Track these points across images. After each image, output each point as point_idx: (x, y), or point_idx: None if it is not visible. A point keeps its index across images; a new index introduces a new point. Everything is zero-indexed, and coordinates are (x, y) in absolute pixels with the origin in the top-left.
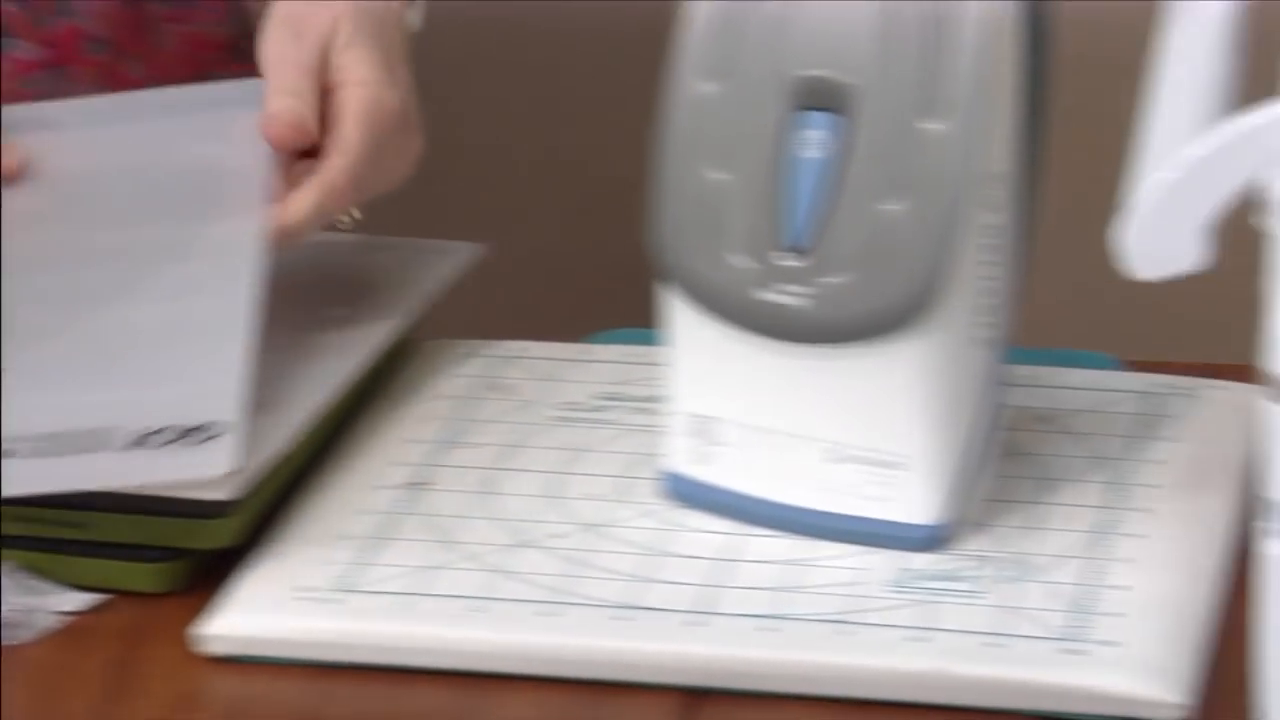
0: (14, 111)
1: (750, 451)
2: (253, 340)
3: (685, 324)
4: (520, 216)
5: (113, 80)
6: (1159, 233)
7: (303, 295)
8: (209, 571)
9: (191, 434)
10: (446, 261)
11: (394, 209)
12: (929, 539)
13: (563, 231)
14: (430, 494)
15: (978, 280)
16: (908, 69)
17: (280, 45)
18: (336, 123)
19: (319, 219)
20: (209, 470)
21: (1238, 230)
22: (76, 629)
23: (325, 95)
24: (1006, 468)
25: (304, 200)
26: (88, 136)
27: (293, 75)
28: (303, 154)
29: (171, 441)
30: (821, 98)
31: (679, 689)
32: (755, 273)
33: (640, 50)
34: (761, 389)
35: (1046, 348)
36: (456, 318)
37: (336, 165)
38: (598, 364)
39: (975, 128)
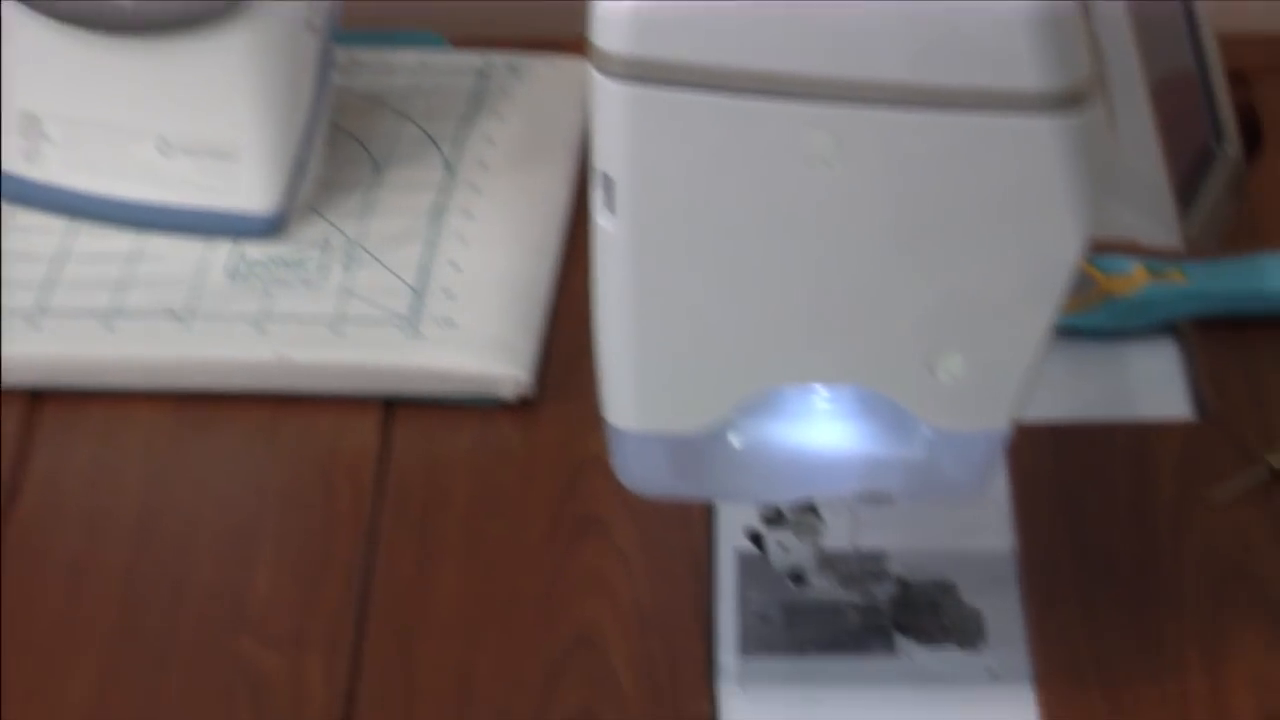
0: None
1: (81, 147)
2: None
3: (9, 19)
4: None
5: None
6: None
7: None
8: None
9: None
10: None
11: None
12: (266, 226)
13: None
14: None
15: None
16: None
17: None
18: None
19: None
20: None
21: None
22: None
23: None
24: (340, 152)
25: None
26: None
27: None
28: None
29: None
30: None
31: (18, 391)
32: None
33: None
34: (88, 83)
35: (373, 29)
36: None
37: None
38: None
39: None
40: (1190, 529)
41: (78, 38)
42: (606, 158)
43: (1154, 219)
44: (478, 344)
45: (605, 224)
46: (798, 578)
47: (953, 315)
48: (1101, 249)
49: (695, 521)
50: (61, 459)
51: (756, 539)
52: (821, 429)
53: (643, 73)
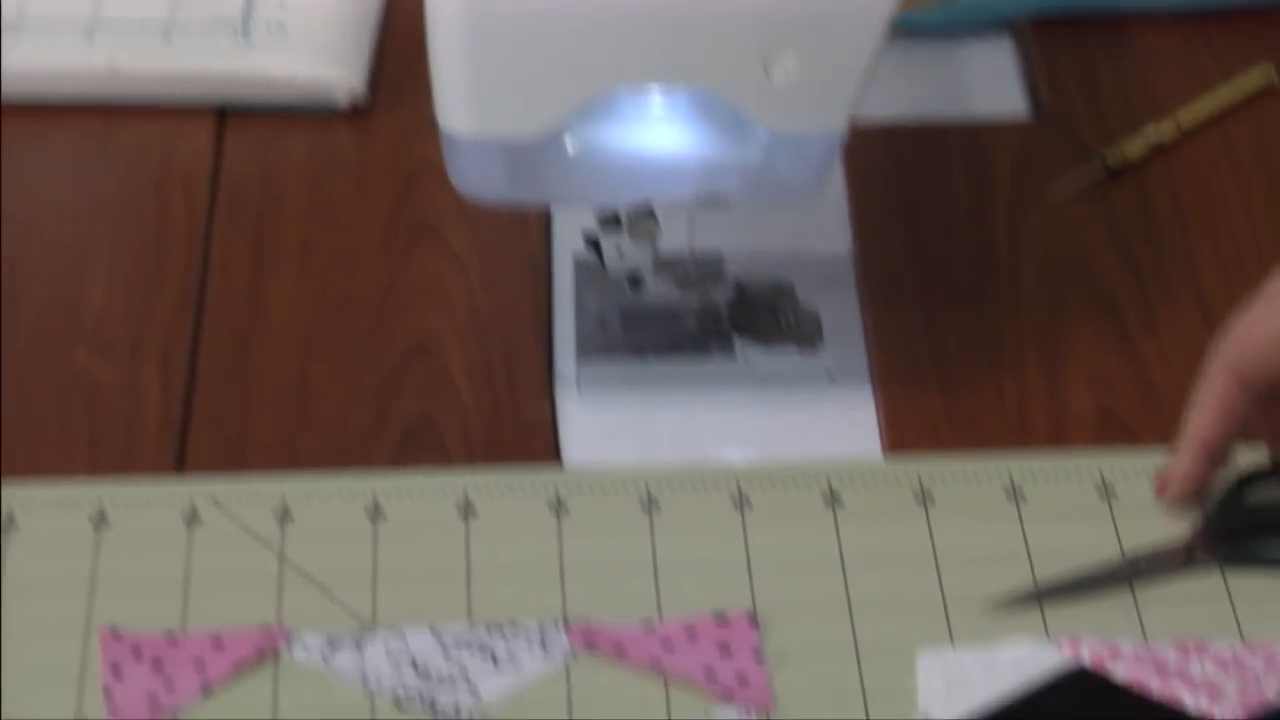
0: None
1: None
2: None
3: None
4: None
5: None
6: None
7: None
8: None
9: None
10: None
11: None
12: None
13: None
14: None
15: None
16: None
17: None
18: None
19: None
20: None
21: None
22: None
23: None
24: None
25: None
26: None
27: None
28: None
29: None
30: None
31: None
32: None
33: None
34: None
35: None
36: None
37: None
38: None
39: None
40: (1027, 227)
41: None
42: None
43: None
44: (310, 49)
45: None
46: (635, 281)
47: (788, 13)
48: None
49: (532, 228)
50: None
51: (594, 244)
52: (658, 133)
53: None
